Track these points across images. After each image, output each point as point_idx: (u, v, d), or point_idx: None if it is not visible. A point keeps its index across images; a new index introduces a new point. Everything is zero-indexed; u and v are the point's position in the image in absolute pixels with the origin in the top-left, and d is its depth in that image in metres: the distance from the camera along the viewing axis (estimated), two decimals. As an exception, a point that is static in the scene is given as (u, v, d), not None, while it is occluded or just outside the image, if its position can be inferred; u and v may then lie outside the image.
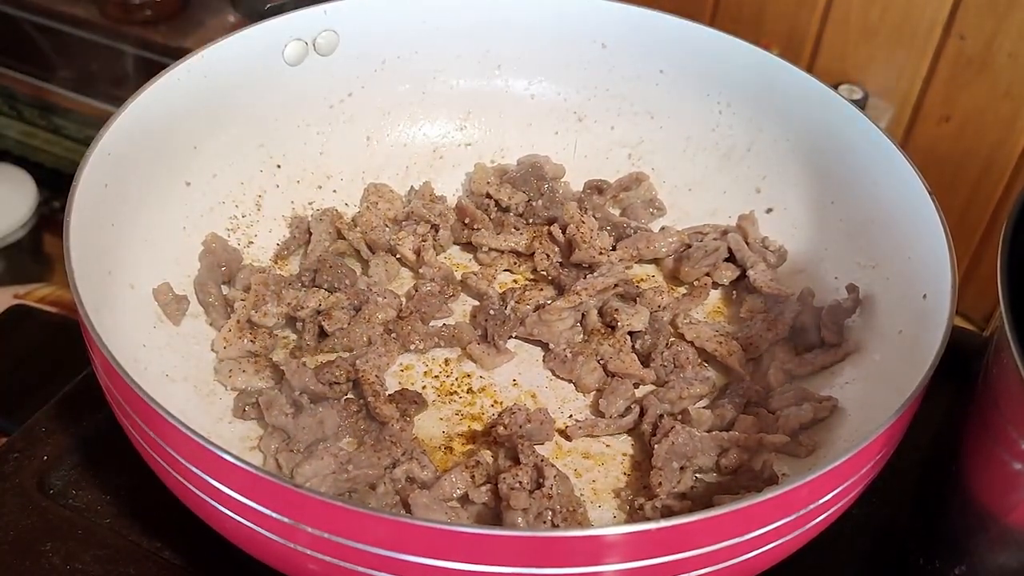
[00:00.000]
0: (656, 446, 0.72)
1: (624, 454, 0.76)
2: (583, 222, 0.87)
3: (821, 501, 0.60)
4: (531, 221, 0.91)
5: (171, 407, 0.58)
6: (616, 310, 0.82)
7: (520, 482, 0.68)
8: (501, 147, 0.97)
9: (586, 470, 0.74)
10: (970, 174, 1.22)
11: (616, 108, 0.97)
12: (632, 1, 0.93)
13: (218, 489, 0.58)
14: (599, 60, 0.95)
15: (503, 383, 0.80)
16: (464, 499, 0.70)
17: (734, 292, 0.88)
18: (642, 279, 0.90)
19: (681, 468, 0.72)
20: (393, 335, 0.81)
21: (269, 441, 0.72)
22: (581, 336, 0.83)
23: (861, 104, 1.22)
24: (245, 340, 0.78)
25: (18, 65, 1.50)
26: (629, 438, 0.77)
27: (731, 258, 0.88)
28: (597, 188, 0.94)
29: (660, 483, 0.70)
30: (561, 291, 0.84)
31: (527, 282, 0.88)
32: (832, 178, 0.87)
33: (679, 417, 0.76)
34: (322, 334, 0.80)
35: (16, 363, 1.05)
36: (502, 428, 0.73)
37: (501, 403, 0.78)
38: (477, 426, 0.76)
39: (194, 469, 0.59)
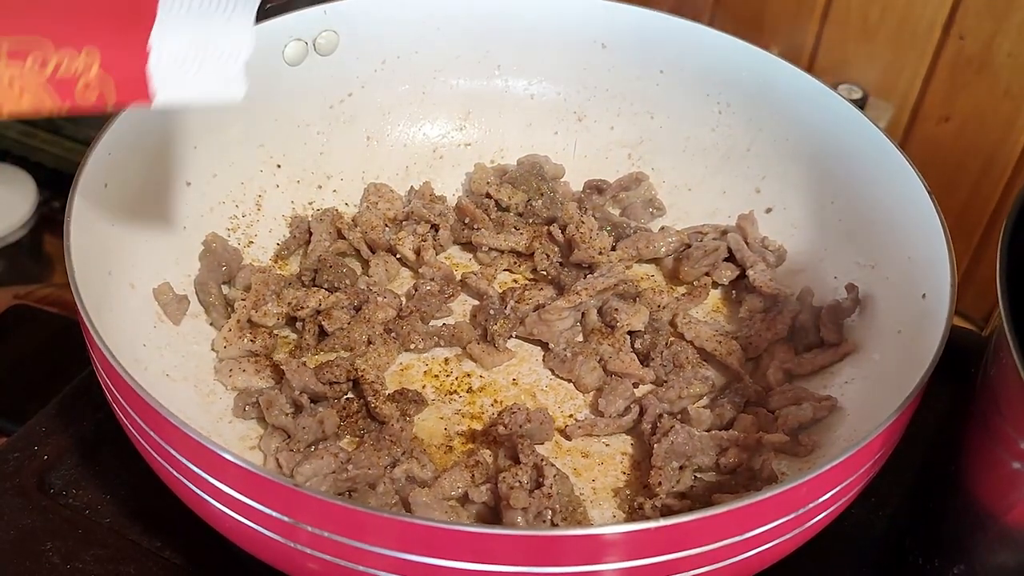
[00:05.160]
0: (656, 445, 0.72)
1: (623, 453, 0.76)
2: (583, 222, 0.87)
3: (820, 500, 0.60)
4: (531, 221, 0.91)
5: (171, 407, 0.58)
6: (616, 310, 0.82)
7: (520, 481, 0.68)
8: (501, 147, 0.98)
9: (586, 469, 0.74)
10: (970, 174, 1.22)
11: (616, 108, 0.97)
12: (632, 1, 0.93)
13: (218, 488, 0.58)
14: (599, 60, 0.95)
15: (503, 382, 0.80)
16: (464, 498, 0.70)
17: (734, 292, 0.88)
18: (642, 279, 0.90)
19: (680, 467, 0.72)
20: (393, 335, 0.81)
21: (269, 440, 0.72)
22: (581, 336, 0.83)
23: (861, 104, 1.22)
24: (245, 340, 0.78)
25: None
26: (628, 437, 0.77)
27: (731, 258, 0.88)
28: (597, 188, 0.94)
29: (660, 482, 0.70)
30: (561, 291, 0.84)
31: (527, 282, 0.88)
32: (832, 178, 0.87)
33: (679, 416, 0.76)
34: (322, 334, 0.80)
35: (16, 363, 1.05)
36: (502, 427, 0.73)
37: (501, 402, 0.78)
38: (477, 425, 0.76)
39: (194, 468, 0.59)
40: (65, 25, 0.56)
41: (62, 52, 0.56)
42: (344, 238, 0.88)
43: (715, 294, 0.89)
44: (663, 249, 0.89)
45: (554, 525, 0.66)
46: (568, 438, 0.76)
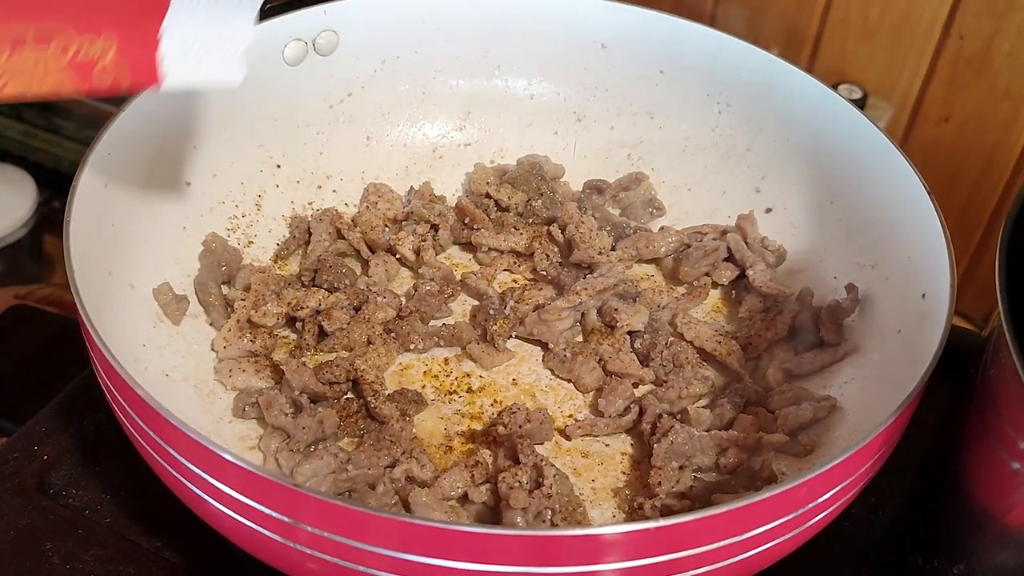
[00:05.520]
0: (655, 445, 0.72)
1: (623, 453, 0.76)
2: (582, 222, 0.87)
3: (820, 500, 0.60)
4: (531, 221, 0.91)
5: (171, 407, 0.58)
6: (615, 310, 0.82)
7: (520, 481, 0.68)
8: (501, 147, 0.98)
9: (585, 469, 0.74)
10: (969, 174, 1.22)
11: (616, 108, 0.97)
12: (632, 1, 0.93)
13: (218, 488, 0.58)
14: (599, 60, 0.95)
15: (503, 383, 0.80)
16: (464, 498, 0.70)
17: (733, 292, 0.88)
18: (641, 279, 0.90)
19: (680, 467, 0.72)
20: (393, 335, 0.81)
21: (269, 441, 0.72)
22: (580, 336, 0.83)
23: (861, 104, 1.22)
24: (245, 340, 0.78)
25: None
26: (628, 437, 0.77)
27: (730, 258, 0.88)
28: (597, 188, 0.94)
29: (659, 482, 0.70)
30: (561, 291, 0.84)
31: (527, 282, 0.88)
32: (831, 178, 0.87)
33: (678, 416, 0.76)
34: (322, 334, 0.80)
35: (16, 363, 1.05)
36: (502, 427, 0.73)
37: (501, 402, 0.78)
38: (477, 425, 0.77)
39: (194, 469, 0.59)
40: (87, 13, 0.61)
41: (83, 37, 0.60)
42: (344, 238, 0.88)
43: (715, 294, 0.89)
44: (663, 249, 0.89)
45: (554, 525, 0.66)
46: (568, 438, 0.76)
